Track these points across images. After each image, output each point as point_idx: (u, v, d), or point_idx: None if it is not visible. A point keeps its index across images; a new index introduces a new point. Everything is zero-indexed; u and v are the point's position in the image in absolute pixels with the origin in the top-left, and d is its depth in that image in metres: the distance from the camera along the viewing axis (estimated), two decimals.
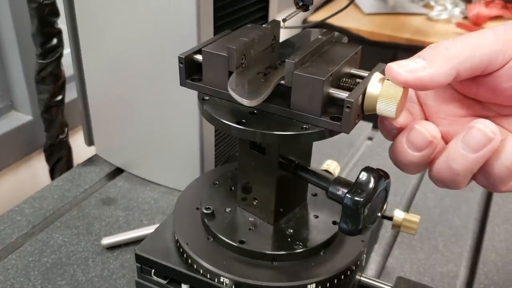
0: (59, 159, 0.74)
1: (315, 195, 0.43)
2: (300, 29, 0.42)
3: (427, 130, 0.30)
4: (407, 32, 1.40)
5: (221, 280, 0.36)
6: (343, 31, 1.45)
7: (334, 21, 1.47)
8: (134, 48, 0.51)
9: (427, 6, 1.60)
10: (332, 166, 0.49)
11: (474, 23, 1.45)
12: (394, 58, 1.17)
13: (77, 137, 0.77)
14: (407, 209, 0.55)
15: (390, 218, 0.44)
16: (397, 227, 0.44)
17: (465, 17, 1.49)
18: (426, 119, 0.35)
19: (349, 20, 1.48)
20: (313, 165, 0.43)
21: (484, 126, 0.28)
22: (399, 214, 0.44)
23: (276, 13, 0.56)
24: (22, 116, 0.75)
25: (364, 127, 0.69)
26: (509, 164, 0.29)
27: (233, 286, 0.36)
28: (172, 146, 0.53)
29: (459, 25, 1.42)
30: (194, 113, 0.50)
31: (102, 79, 0.57)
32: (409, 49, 1.38)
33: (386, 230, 0.50)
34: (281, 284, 0.35)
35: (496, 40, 0.30)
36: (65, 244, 0.48)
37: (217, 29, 0.48)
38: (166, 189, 0.56)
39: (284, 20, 0.36)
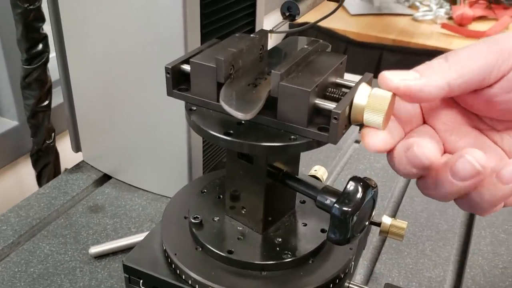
0: (46, 165, 0.74)
1: (304, 202, 0.43)
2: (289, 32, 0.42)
3: (476, 159, 0.28)
4: (393, 33, 1.41)
5: None
6: (330, 32, 1.45)
7: (320, 22, 1.47)
8: (120, 55, 0.50)
9: (413, 6, 1.61)
10: (320, 172, 0.49)
11: (459, 24, 1.47)
12: (380, 59, 1.18)
13: (64, 142, 0.76)
14: (394, 214, 0.55)
15: (378, 224, 0.45)
16: (384, 233, 0.45)
17: (450, 18, 1.51)
18: (425, 121, 0.35)
19: (335, 21, 1.48)
20: (301, 169, 0.43)
21: (472, 158, 0.27)
22: (386, 221, 0.44)
23: (263, 19, 0.56)
24: (8, 121, 0.74)
25: (351, 131, 0.70)
26: (492, 198, 0.28)
27: None
28: (160, 152, 0.53)
29: (444, 26, 1.43)
30: (182, 119, 0.49)
31: (88, 85, 0.56)
32: (395, 50, 1.39)
33: (374, 235, 0.50)
34: None
35: (489, 54, 0.30)
36: (52, 254, 0.47)
37: (204, 36, 0.48)
38: (154, 196, 0.56)
39: (271, 31, 0.36)
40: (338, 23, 1.47)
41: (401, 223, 0.44)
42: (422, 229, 0.52)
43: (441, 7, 1.56)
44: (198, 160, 0.53)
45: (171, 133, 0.51)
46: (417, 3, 1.61)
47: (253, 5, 0.54)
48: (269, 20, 0.56)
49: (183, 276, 0.37)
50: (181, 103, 0.36)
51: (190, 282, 0.37)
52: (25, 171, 0.76)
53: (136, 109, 0.52)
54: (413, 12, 1.54)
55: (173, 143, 0.51)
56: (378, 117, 0.31)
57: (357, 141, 0.69)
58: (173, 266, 0.38)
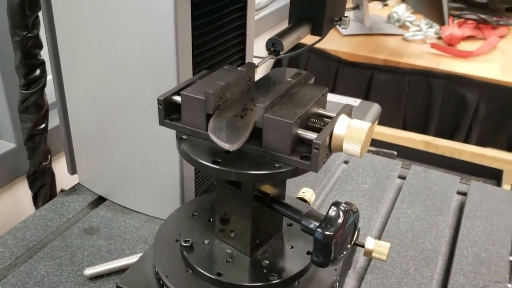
0: (42, 186, 0.75)
1: (291, 225, 0.45)
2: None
3: None
4: (384, 53, 1.44)
5: None
6: (322, 53, 1.49)
7: (312, 42, 1.51)
8: (115, 82, 0.52)
9: (403, 27, 1.65)
10: (307, 194, 0.51)
11: (448, 44, 1.51)
12: (371, 79, 1.22)
13: (60, 163, 0.78)
14: (380, 234, 0.57)
15: (362, 246, 0.46)
16: (368, 254, 0.47)
17: (439, 38, 1.55)
18: None
19: (327, 42, 1.50)
20: (291, 190, 0.45)
21: None
22: (370, 242, 0.46)
23: (253, 47, 0.59)
24: (5, 144, 0.76)
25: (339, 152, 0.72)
26: None
27: None
28: (153, 175, 0.55)
29: (433, 45, 1.47)
30: (174, 145, 0.51)
31: (84, 110, 0.58)
32: (385, 70, 1.42)
33: (360, 254, 0.52)
34: None
35: None
36: (48, 275, 0.49)
37: (197, 64, 0.50)
38: (147, 218, 0.57)
39: (256, 66, 0.38)
40: (330, 44, 1.50)
41: (383, 245, 0.46)
42: (406, 249, 0.54)
43: (430, 27, 1.60)
44: (190, 183, 0.55)
45: (164, 158, 0.53)
46: (408, 23, 1.65)
47: (243, 34, 0.56)
48: (259, 43, 0.59)
49: None
50: (173, 132, 0.38)
51: None
52: (22, 192, 0.77)
53: (130, 134, 0.54)
54: (403, 32, 1.58)
55: (165, 167, 0.53)
56: (356, 146, 0.33)
57: (346, 162, 0.71)
58: (164, 286, 0.39)
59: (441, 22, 1.36)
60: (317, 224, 0.36)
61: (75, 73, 0.57)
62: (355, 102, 0.84)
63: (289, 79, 0.37)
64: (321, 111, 0.37)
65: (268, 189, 0.40)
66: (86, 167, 0.62)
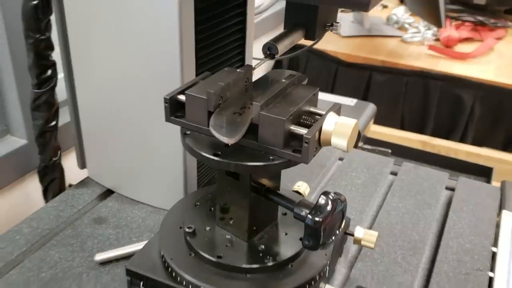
0: (52, 180, 0.79)
1: (285, 214, 0.48)
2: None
3: None
4: (382, 54, 1.48)
5: None
6: (321, 54, 1.52)
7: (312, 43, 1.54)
8: (124, 83, 0.56)
9: (402, 28, 1.68)
10: (302, 187, 0.55)
11: (445, 45, 1.54)
12: (370, 79, 1.26)
13: (68, 159, 0.82)
14: (371, 225, 0.60)
15: (352, 234, 0.50)
16: (358, 242, 0.50)
17: (437, 40, 1.58)
18: None
19: (326, 43, 1.55)
20: (287, 184, 0.48)
21: None
22: (359, 231, 0.50)
23: (252, 49, 0.62)
24: (17, 140, 0.80)
25: (335, 149, 0.76)
26: None
27: None
28: (158, 169, 0.59)
29: (430, 47, 1.50)
30: (178, 140, 0.55)
31: (94, 108, 0.62)
32: (384, 71, 1.46)
33: (351, 244, 0.55)
34: None
35: None
36: (60, 261, 0.52)
37: (199, 66, 0.53)
38: (152, 209, 0.61)
39: (253, 69, 0.42)
40: (329, 45, 1.54)
41: (371, 233, 0.49)
42: (395, 240, 0.57)
43: (429, 29, 1.63)
44: (192, 176, 0.58)
45: (168, 152, 0.56)
46: (406, 25, 1.69)
47: (243, 38, 0.60)
48: (258, 45, 0.62)
49: (178, 278, 0.42)
50: (178, 128, 0.42)
51: (184, 283, 0.42)
52: (32, 186, 0.81)
53: (137, 130, 0.58)
54: (402, 34, 1.61)
55: (170, 161, 0.57)
56: (343, 141, 0.37)
57: (341, 159, 0.75)
58: (169, 270, 0.43)
59: (438, 24, 1.39)
60: (308, 211, 0.39)
61: (85, 73, 0.61)
62: (351, 102, 0.88)
63: (284, 80, 0.41)
64: (312, 109, 0.41)
65: (264, 180, 0.44)
66: (95, 161, 0.66)
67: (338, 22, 0.47)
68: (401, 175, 0.70)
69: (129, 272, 0.44)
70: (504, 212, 0.64)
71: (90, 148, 0.65)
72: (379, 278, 0.52)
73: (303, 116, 0.39)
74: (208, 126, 0.38)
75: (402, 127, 1.47)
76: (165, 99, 0.40)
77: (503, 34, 1.66)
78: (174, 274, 0.43)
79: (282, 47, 0.41)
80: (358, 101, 0.88)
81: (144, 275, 0.44)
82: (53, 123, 0.75)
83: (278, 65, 1.65)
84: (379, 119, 1.24)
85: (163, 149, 0.57)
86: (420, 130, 1.44)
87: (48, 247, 0.54)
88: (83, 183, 0.66)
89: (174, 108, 0.41)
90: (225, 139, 0.36)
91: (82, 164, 0.68)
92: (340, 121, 0.37)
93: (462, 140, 1.40)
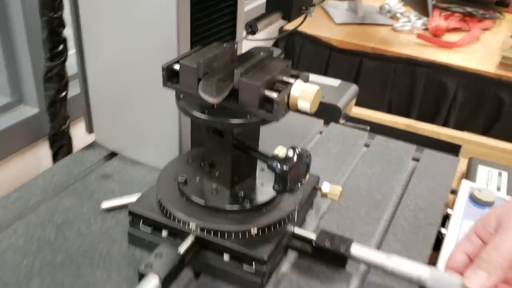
0: (61, 147, 0.87)
1: (263, 170, 0.57)
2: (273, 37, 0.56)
3: None
4: (373, 41, 1.56)
5: (190, 226, 0.50)
6: (315, 39, 1.60)
7: (307, 29, 1.62)
8: (129, 56, 0.64)
9: (394, 17, 1.76)
10: (282, 152, 0.63)
11: (434, 35, 1.61)
12: (360, 65, 1.35)
13: (76, 128, 0.90)
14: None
15: (320, 189, 0.59)
16: (325, 195, 0.59)
17: (426, 29, 1.65)
18: None
19: (320, 29, 1.63)
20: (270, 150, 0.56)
21: None
22: (326, 186, 0.59)
23: (243, 29, 0.70)
24: (30, 109, 0.88)
25: (316, 123, 0.84)
26: None
27: (198, 230, 0.50)
28: (157, 132, 0.67)
29: (419, 36, 1.58)
30: (174, 105, 0.63)
31: (101, 79, 0.70)
32: (373, 57, 1.54)
33: (323, 200, 0.64)
34: (232, 227, 0.49)
35: None
36: (71, 208, 0.61)
37: (194, 42, 0.61)
38: (151, 168, 0.69)
39: (237, 43, 0.50)
40: (323, 31, 1.62)
41: (336, 188, 0.58)
42: (361, 199, 0.66)
43: (419, 18, 1.70)
44: (187, 139, 0.67)
45: (165, 119, 0.65)
46: (398, 15, 1.76)
47: (234, 19, 0.68)
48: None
49: (171, 217, 0.51)
50: (173, 95, 0.50)
51: (176, 221, 0.51)
52: (43, 152, 0.90)
53: (139, 98, 0.66)
54: (393, 23, 1.69)
55: (167, 126, 0.65)
56: (306, 103, 0.45)
57: (321, 132, 0.83)
58: (164, 210, 0.52)
59: (426, 14, 1.47)
60: (278, 162, 0.48)
61: (94, 49, 0.69)
62: (336, 82, 0.96)
63: (262, 54, 0.49)
64: (284, 78, 0.49)
65: (244, 138, 0.52)
66: (102, 127, 0.74)
67: (313, 5, 0.55)
68: (373, 147, 0.79)
69: (131, 213, 0.53)
70: (463, 180, 0.73)
71: (97, 115, 0.74)
72: (344, 228, 0.60)
73: (277, 84, 0.48)
74: (198, 90, 0.47)
75: (390, 111, 1.55)
76: (162, 67, 0.49)
77: (490, 25, 1.73)
78: (168, 213, 0.51)
79: (261, 25, 0.49)
80: (342, 82, 0.96)
81: (143, 215, 0.53)
82: (63, 94, 0.83)
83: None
84: (368, 103, 1.32)
85: (161, 115, 0.65)
86: (406, 114, 1.52)
87: (60, 197, 0.63)
88: (91, 146, 0.75)
89: (170, 76, 0.49)
90: (210, 99, 0.44)
91: (90, 130, 0.77)
92: (305, 87, 0.46)
93: (445, 124, 1.48)
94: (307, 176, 0.50)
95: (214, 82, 0.47)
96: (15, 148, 0.85)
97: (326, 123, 0.85)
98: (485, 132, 1.46)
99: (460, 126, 1.46)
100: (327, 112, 0.88)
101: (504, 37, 1.64)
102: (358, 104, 1.38)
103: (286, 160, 0.47)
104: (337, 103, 0.88)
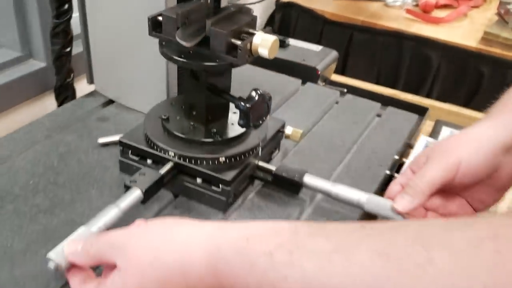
0: (65, 98, 0.97)
1: (235, 113, 0.67)
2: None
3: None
4: (363, 15, 1.63)
5: (170, 153, 0.60)
6: (310, 12, 1.67)
7: (303, 2, 1.70)
8: (123, 17, 0.73)
9: None
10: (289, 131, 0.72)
11: (423, 11, 1.68)
12: (351, 37, 1.46)
13: (79, 83, 1.00)
14: (306, 133, 0.78)
15: (283, 132, 0.69)
16: (287, 137, 0.69)
17: (416, 5, 1.72)
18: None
19: (316, 2, 1.70)
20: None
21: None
22: (288, 129, 0.68)
23: None
24: (37, 63, 0.98)
25: (294, 82, 0.93)
26: None
27: (177, 157, 0.60)
28: (147, 83, 0.77)
29: (408, 11, 1.65)
30: (162, 61, 0.73)
31: (100, 38, 0.80)
32: (363, 30, 1.62)
33: (289, 143, 0.74)
34: (205, 156, 0.59)
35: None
36: (73, 142, 0.71)
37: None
38: (142, 114, 0.79)
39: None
40: (318, 4, 1.69)
41: (297, 130, 0.68)
42: (323, 144, 0.76)
43: None
44: (173, 88, 0.76)
45: (154, 70, 0.74)
46: None
47: None
48: None
49: (155, 147, 0.61)
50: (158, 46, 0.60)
51: (158, 150, 0.61)
52: (49, 102, 1.00)
53: (132, 53, 0.76)
54: None
55: (156, 76, 0.75)
56: (265, 50, 0.55)
57: (297, 90, 0.92)
58: (149, 142, 0.62)
59: None
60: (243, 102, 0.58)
61: (95, 11, 0.78)
62: (317, 48, 1.05)
63: (232, 9, 0.59)
64: (250, 30, 0.58)
65: (217, 82, 0.62)
66: (100, 78, 0.84)
67: None
68: (341, 103, 0.88)
69: (121, 143, 0.63)
70: (422, 136, 0.82)
71: (96, 68, 0.84)
72: (304, 166, 0.70)
73: (243, 34, 0.57)
74: (175, 37, 0.56)
75: (377, 82, 1.63)
76: (148, 18, 0.58)
77: (480, 3, 1.80)
78: (152, 144, 0.62)
79: None
80: (323, 48, 1.05)
81: (132, 144, 0.63)
82: (68, 49, 0.93)
83: (271, 21, 1.81)
84: (357, 74, 1.41)
85: (151, 66, 0.75)
86: (393, 85, 1.61)
87: (63, 134, 0.73)
88: (91, 94, 0.85)
89: (154, 25, 0.58)
90: (185, 43, 0.54)
91: (91, 80, 0.87)
92: (264, 37, 0.55)
93: (428, 96, 1.57)
94: (268, 116, 0.60)
95: (189, 30, 0.56)
96: (25, 97, 0.95)
97: (304, 83, 0.94)
98: (466, 104, 1.55)
99: (442, 98, 1.55)
100: (306, 73, 0.97)
101: (491, 14, 1.71)
102: (347, 74, 1.48)
103: (249, 99, 0.57)
104: (316, 65, 0.97)
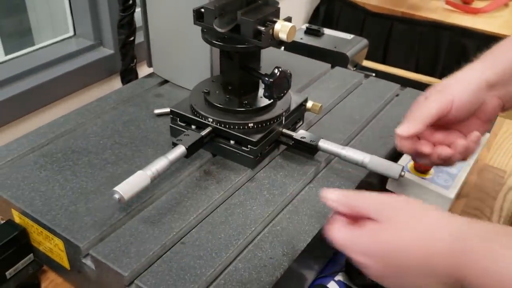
0: (129, 80, 1.15)
1: (263, 88, 0.80)
2: None
3: None
4: (403, 7, 1.71)
5: (209, 120, 0.75)
6: (352, 4, 1.77)
7: None
8: (177, 12, 0.89)
9: None
10: (309, 104, 0.85)
11: (463, 1, 1.74)
12: (391, 28, 1.61)
13: (141, 67, 1.17)
14: (329, 110, 0.90)
15: (305, 105, 0.82)
16: (308, 110, 0.82)
17: None
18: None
19: None
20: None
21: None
22: (309, 103, 0.81)
23: None
24: (107, 50, 1.15)
25: (324, 66, 1.05)
26: None
27: (214, 123, 0.74)
28: (195, 65, 0.92)
29: (448, 2, 1.71)
30: (207, 48, 0.87)
31: (158, 28, 0.95)
32: (403, 21, 1.70)
33: (313, 116, 0.86)
34: (236, 121, 0.73)
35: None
36: (134, 112, 0.88)
37: None
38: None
39: None
40: None
41: (316, 104, 0.81)
42: (342, 118, 0.87)
43: None
44: (216, 67, 0.91)
45: (202, 55, 0.89)
46: None
47: None
48: None
49: (198, 115, 0.76)
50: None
51: (200, 117, 0.75)
52: (116, 84, 1.17)
53: (184, 41, 0.91)
54: None
55: (203, 61, 0.89)
56: (284, 34, 0.68)
57: (325, 73, 1.04)
58: (193, 111, 0.77)
59: None
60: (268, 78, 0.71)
61: (153, 6, 0.94)
62: (349, 36, 1.16)
63: (260, 1, 0.72)
64: (274, 18, 0.71)
65: (249, 62, 0.76)
66: (158, 62, 1.00)
67: None
68: (364, 84, 0.99)
69: (172, 112, 0.79)
70: None
71: (155, 54, 1.00)
72: (323, 135, 0.82)
73: (267, 22, 0.70)
74: (213, 25, 0.70)
75: (416, 71, 1.71)
76: (193, 10, 0.72)
77: None
78: (196, 113, 0.76)
79: None
80: (355, 36, 1.16)
81: (180, 113, 0.78)
82: (132, 38, 1.09)
83: (316, 14, 1.92)
84: (397, 63, 1.50)
85: (197, 50, 0.89)
86: (431, 74, 1.68)
87: (127, 106, 0.90)
88: (149, 75, 1.01)
89: (198, 16, 0.73)
90: (220, 29, 0.68)
91: (150, 64, 1.03)
92: (284, 24, 0.68)
93: None
94: (289, 89, 0.73)
95: (224, 19, 0.70)
96: (96, 79, 1.13)
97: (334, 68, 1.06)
98: None
99: None
100: (337, 59, 1.09)
101: None
102: (387, 63, 1.57)
103: (272, 74, 0.70)
104: (346, 52, 1.09)
